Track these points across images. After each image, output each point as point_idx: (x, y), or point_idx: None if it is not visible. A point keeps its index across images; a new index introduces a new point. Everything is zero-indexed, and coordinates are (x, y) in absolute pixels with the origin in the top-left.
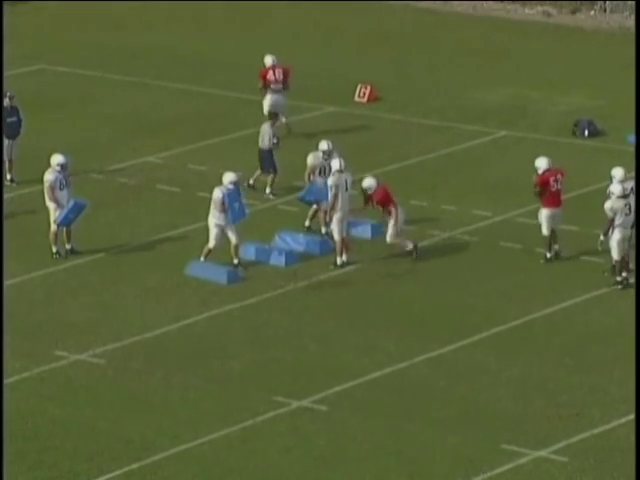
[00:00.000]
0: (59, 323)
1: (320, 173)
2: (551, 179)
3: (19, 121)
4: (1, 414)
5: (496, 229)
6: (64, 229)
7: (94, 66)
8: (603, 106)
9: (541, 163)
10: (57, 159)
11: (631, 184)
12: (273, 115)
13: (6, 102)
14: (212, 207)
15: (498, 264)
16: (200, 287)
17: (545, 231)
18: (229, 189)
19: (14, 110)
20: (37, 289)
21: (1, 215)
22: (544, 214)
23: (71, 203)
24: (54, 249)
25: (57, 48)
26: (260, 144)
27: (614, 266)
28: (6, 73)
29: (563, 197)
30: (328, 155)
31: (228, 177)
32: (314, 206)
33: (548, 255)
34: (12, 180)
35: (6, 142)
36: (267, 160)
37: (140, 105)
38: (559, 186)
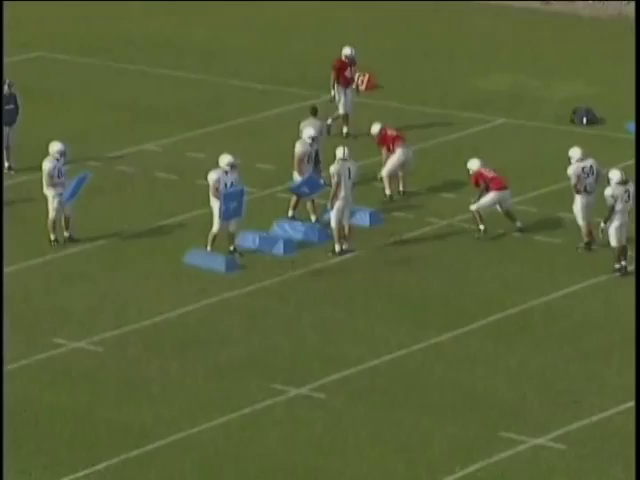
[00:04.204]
0: (57, 311)
1: (308, 161)
2: (482, 170)
3: (16, 108)
4: (0, 402)
5: (494, 217)
6: (62, 217)
7: (92, 54)
8: (602, 94)
9: (473, 165)
10: (56, 147)
11: (590, 162)
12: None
13: (5, 89)
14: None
15: (496, 252)
16: (198, 275)
17: (475, 207)
18: (226, 172)
19: (12, 97)
20: (35, 277)
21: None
22: (491, 195)
23: (74, 182)
24: (52, 237)
25: (55, 36)
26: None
27: (588, 243)
28: (5, 61)
29: (505, 179)
30: (314, 141)
31: (225, 159)
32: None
33: (482, 227)
34: (10, 168)
35: (4, 130)
36: None
37: (139, 93)
38: (493, 172)
